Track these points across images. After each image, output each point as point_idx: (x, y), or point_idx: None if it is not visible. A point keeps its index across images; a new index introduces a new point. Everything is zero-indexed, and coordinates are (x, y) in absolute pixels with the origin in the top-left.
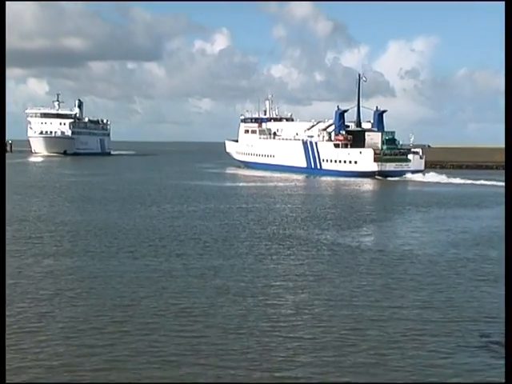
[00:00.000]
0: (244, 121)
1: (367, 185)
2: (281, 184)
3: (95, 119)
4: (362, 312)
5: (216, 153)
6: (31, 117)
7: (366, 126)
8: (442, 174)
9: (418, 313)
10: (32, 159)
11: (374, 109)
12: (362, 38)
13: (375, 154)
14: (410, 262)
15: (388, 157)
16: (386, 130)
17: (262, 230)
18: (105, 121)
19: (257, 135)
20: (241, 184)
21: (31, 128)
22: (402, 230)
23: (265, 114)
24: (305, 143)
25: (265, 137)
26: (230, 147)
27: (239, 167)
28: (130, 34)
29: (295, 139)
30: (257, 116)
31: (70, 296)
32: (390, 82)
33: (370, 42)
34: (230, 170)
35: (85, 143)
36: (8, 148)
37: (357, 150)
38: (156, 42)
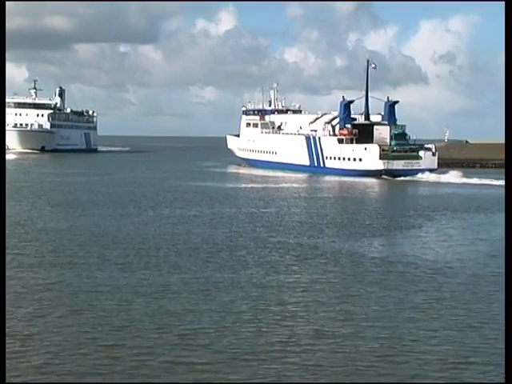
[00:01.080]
0: (246, 113)
1: (376, 186)
2: (283, 185)
3: (79, 110)
4: (391, 335)
5: (220, 149)
6: None
7: (375, 118)
8: (479, 174)
9: (456, 336)
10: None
11: (385, 99)
12: (390, 16)
13: (382, 150)
14: (446, 276)
15: (396, 154)
16: (399, 123)
17: (271, 238)
18: (90, 112)
19: (259, 129)
20: (241, 185)
21: None
22: (431, 239)
23: (270, 105)
24: (308, 138)
25: (267, 131)
26: (232, 143)
27: (240, 165)
28: (123, 12)
29: (299, 134)
30: (261, 107)
31: (54, 316)
32: (421, 68)
33: (399, 22)
34: (232, 169)
35: (66, 138)
36: None
37: (361, 146)
38: (152, 21)
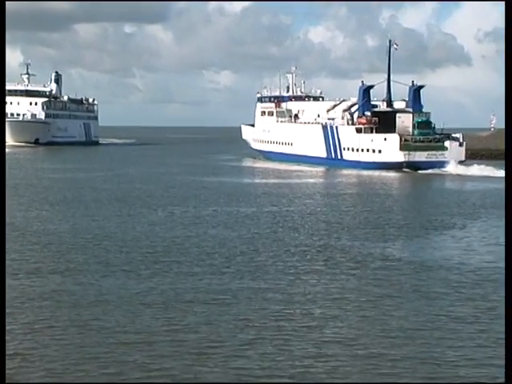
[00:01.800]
0: (261, 100)
1: (399, 180)
2: (299, 180)
3: (78, 98)
4: (433, 353)
5: (237, 140)
6: None
7: (399, 105)
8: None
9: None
10: None
11: (410, 83)
12: None
13: (403, 140)
14: (495, 282)
15: (419, 144)
16: (425, 109)
17: (294, 240)
18: (90, 100)
19: (274, 118)
20: (256, 181)
21: None
22: (475, 240)
23: (288, 91)
24: (325, 128)
25: (283, 120)
26: (247, 133)
27: (255, 158)
28: None
29: (316, 123)
30: (278, 94)
31: (55, 329)
32: (464, 47)
33: None
34: (246, 163)
35: (63, 129)
36: None
37: (381, 136)
38: None
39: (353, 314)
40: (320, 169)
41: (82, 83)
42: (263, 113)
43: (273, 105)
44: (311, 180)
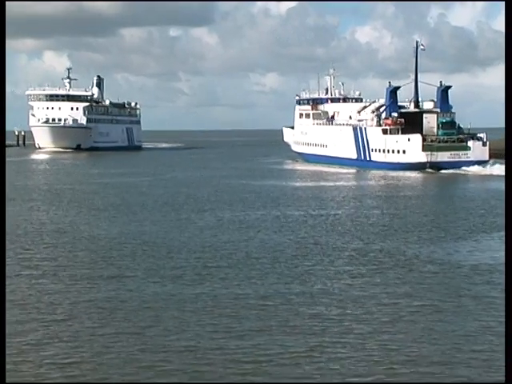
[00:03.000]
0: (299, 102)
1: (426, 181)
2: (333, 183)
3: (120, 102)
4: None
5: (281, 142)
6: (33, 100)
7: (428, 106)
8: None
9: None
10: (34, 156)
11: (438, 84)
12: None
13: (426, 140)
14: None
15: (442, 144)
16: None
17: (343, 244)
18: (133, 104)
19: (310, 120)
20: (296, 184)
21: (34, 115)
22: None
23: (326, 93)
24: (355, 129)
25: (320, 122)
26: (287, 136)
27: (294, 160)
28: None
29: (348, 124)
30: (316, 96)
31: (106, 336)
32: None
33: None
34: (286, 165)
35: (105, 134)
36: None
37: (405, 137)
38: (206, 0)
39: (407, 319)
40: (351, 170)
41: (128, 88)
42: (301, 115)
43: (309, 107)
44: (346, 182)
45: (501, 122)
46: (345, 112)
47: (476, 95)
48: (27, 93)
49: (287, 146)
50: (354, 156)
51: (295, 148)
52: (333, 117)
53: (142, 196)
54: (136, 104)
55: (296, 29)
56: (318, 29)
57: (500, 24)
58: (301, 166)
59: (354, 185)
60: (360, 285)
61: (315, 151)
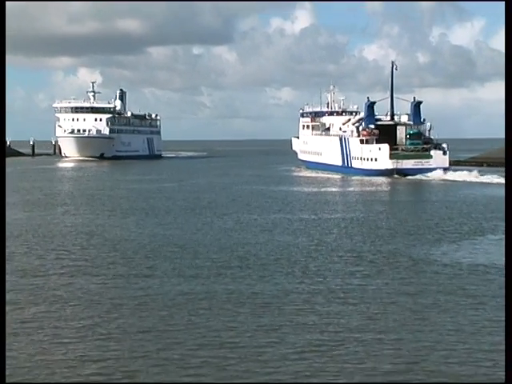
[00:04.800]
0: (302, 115)
1: (390, 184)
2: (322, 190)
3: (141, 114)
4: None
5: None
6: (59, 112)
7: (404, 118)
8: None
9: None
10: (62, 165)
11: (412, 99)
12: (476, 9)
13: (398, 149)
14: None
15: (407, 153)
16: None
17: (360, 245)
18: (153, 115)
19: (309, 131)
20: (296, 189)
21: (60, 126)
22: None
23: (327, 107)
24: (340, 139)
25: (317, 133)
26: (295, 145)
27: (299, 167)
28: (196, 12)
29: (336, 135)
30: (318, 109)
31: (142, 334)
32: None
33: (486, 14)
34: (293, 172)
35: (127, 144)
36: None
37: (377, 146)
38: (226, 21)
39: (427, 320)
40: (338, 176)
41: (155, 101)
42: (304, 126)
43: (309, 119)
44: (333, 188)
45: (498, 133)
46: (337, 124)
47: (475, 108)
48: (54, 105)
49: (295, 154)
50: (340, 163)
51: (300, 156)
52: (328, 128)
53: (167, 201)
54: (156, 115)
55: (309, 47)
56: (329, 47)
57: (496, 43)
58: (302, 173)
59: (340, 191)
60: (377, 284)
61: (313, 159)
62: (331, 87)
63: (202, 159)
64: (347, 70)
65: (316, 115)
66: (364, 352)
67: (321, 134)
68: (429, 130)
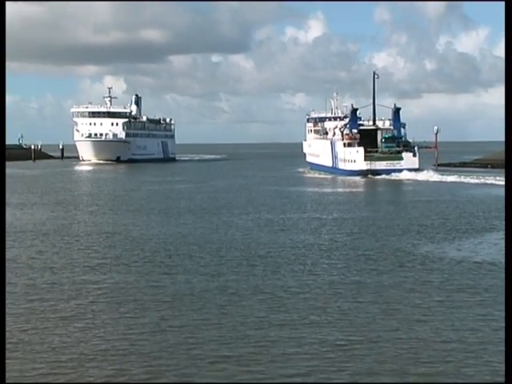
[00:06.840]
0: (308, 120)
1: (378, 185)
2: (316, 189)
3: (156, 118)
4: None
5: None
6: (77, 117)
7: (387, 124)
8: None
9: None
10: (80, 168)
11: (392, 106)
12: (481, 17)
13: (369, 152)
14: None
15: (381, 155)
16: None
17: (374, 242)
18: (168, 120)
19: (312, 135)
20: (296, 188)
21: (78, 130)
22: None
23: (331, 113)
24: (330, 143)
25: (318, 137)
26: (304, 148)
27: (305, 168)
28: (215, 23)
29: (327, 139)
30: (322, 115)
31: (171, 331)
32: None
33: (491, 23)
34: (300, 174)
35: (142, 147)
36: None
37: (355, 149)
38: (243, 31)
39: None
40: (329, 176)
41: (176, 106)
42: (309, 131)
43: (311, 124)
44: (325, 188)
45: (502, 136)
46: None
47: (480, 113)
48: (72, 110)
49: (305, 156)
50: (331, 164)
51: (307, 158)
52: (327, 132)
53: (187, 201)
54: (170, 120)
55: (321, 55)
56: (341, 55)
57: (500, 50)
58: (306, 174)
59: (332, 191)
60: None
61: (315, 161)
62: (334, 94)
63: (223, 161)
64: (358, 77)
65: (319, 120)
66: (377, 352)
67: (321, 138)
68: (404, 134)
